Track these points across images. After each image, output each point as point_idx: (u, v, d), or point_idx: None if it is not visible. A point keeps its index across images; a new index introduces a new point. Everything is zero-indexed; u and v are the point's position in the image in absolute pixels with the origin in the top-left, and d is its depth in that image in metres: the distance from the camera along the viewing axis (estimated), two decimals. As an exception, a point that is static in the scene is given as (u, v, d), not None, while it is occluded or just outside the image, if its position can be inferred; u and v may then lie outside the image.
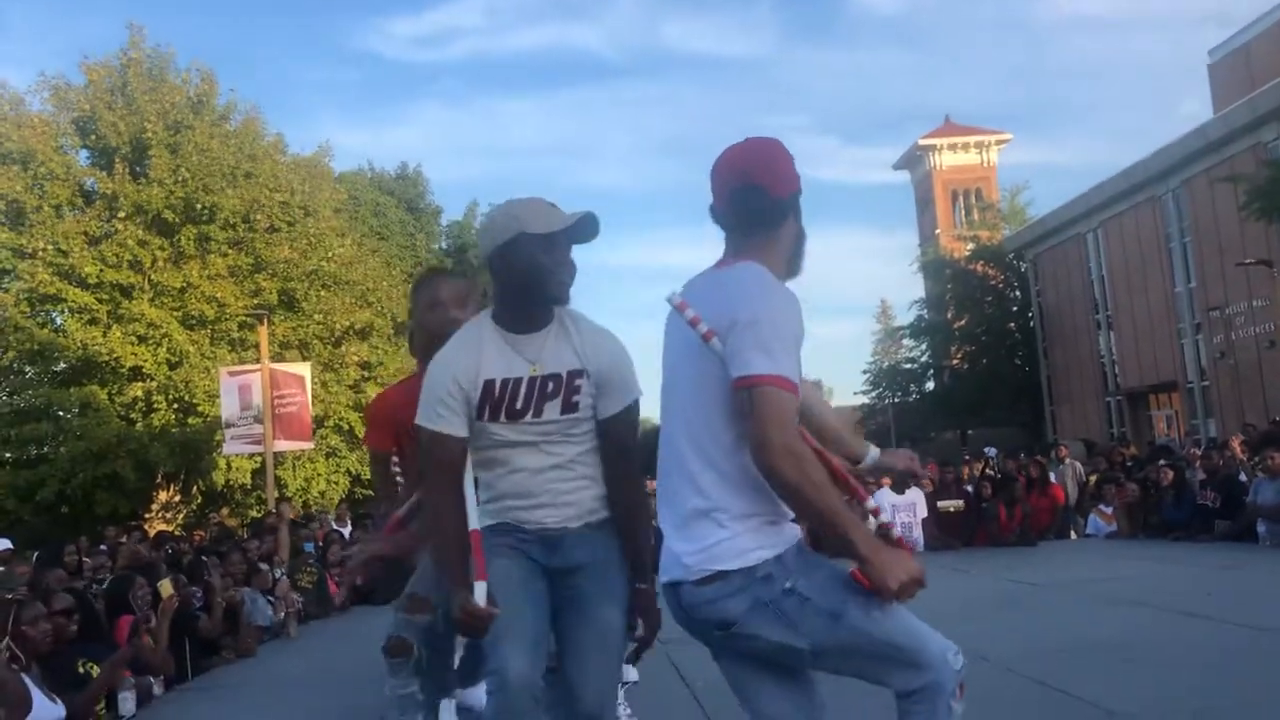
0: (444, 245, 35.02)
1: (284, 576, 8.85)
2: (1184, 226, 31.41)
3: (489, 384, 2.50)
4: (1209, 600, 6.26)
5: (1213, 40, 36.23)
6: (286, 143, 25.60)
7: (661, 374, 2.39)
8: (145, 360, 21.79)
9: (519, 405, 2.51)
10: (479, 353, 2.52)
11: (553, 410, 2.53)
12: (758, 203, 2.29)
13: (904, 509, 10.90)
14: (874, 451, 2.63)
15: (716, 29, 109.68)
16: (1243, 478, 10.36)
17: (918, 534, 10.83)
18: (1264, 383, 27.86)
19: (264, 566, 8.99)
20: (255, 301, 22.42)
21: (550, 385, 2.52)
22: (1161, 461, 12.06)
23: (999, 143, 55.65)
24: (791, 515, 2.23)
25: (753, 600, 2.16)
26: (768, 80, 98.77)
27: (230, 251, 23.04)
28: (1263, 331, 27.88)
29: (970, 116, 55.00)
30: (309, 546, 11.06)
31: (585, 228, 2.54)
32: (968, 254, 43.45)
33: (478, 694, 4.73)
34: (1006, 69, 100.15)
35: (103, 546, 10.75)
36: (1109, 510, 11.72)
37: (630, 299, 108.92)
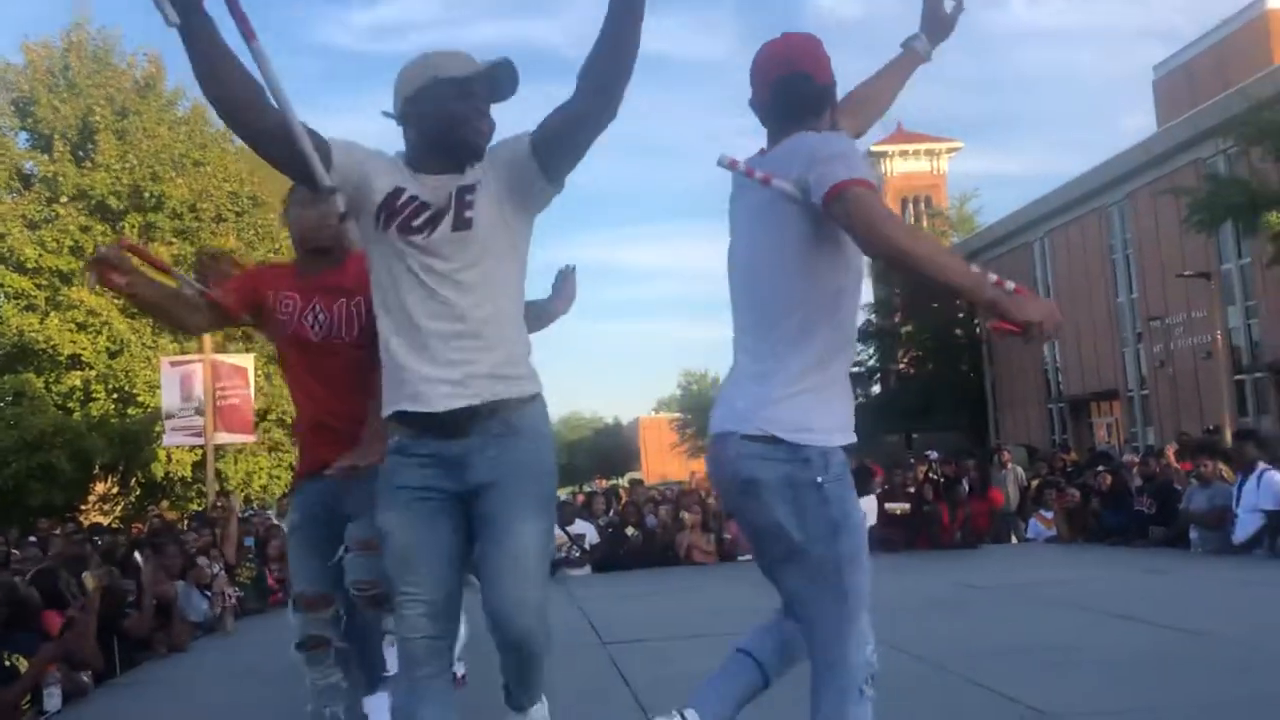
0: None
1: (222, 571, 8.71)
2: (1127, 238, 32.01)
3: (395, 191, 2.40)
4: (1142, 603, 6.37)
5: (1157, 56, 37.00)
6: (236, 131, 25.23)
7: (727, 252, 2.45)
8: (84, 348, 21.36)
9: (416, 222, 2.38)
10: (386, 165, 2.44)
11: (444, 229, 2.38)
12: (804, 88, 2.35)
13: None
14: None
15: (677, 29, 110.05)
16: (1177, 485, 10.57)
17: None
18: (1200, 392, 28.45)
19: (202, 560, 8.83)
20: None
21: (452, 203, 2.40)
22: (1100, 468, 12.26)
23: (950, 151, 56.32)
24: (845, 409, 2.36)
25: (784, 475, 2.23)
26: (725, 82, 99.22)
27: (175, 240, 22.66)
28: (1200, 342, 28.47)
29: (922, 124, 55.50)
30: (249, 541, 10.90)
31: (503, 78, 2.41)
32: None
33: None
34: (959, 78, 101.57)
35: (33, 538, 10.51)
36: (1049, 515, 11.90)
37: (587, 296, 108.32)
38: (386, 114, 2.46)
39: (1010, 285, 2.20)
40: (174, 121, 23.10)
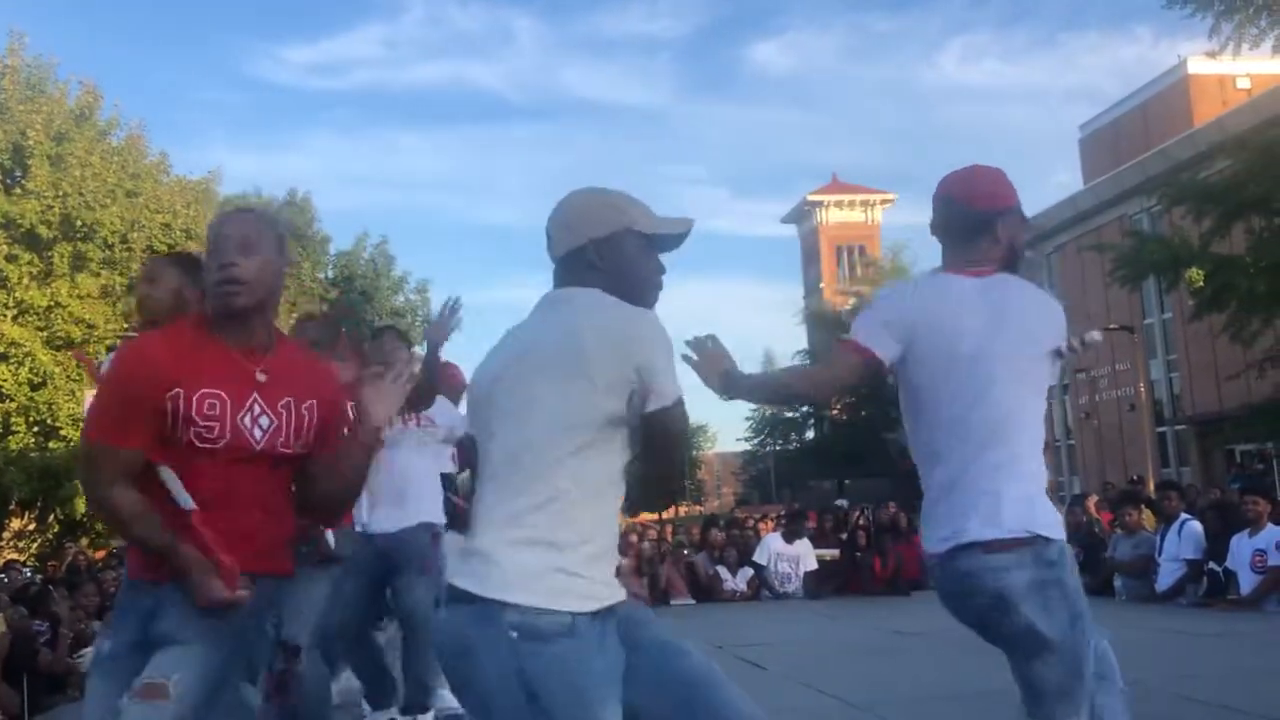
0: (330, 274, 34.39)
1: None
2: (1054, 291, 32.79)
3: None
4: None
5: (1084, 116, 38.16)
6: (171, 163, 24.89)
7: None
8: (5, 379, 20.78)
9: None
10: None
11: None
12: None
13: (788, 559, 11.02)
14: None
15: (616, 77, 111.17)
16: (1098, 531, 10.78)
17: (796, 585, 10.94)
18: (1124, 443, 29.12)
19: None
20: (127, 325, 21.61)
21: None
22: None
23: (884, 202, 57.43)
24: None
25: (1033, 578, 2.25)
26: (664, 130, 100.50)
27: (104, 271, 22.21)
28: (1124, 394, 29.19)
29: (857, 176, 56.94)
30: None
31: (682, 239, 2.23)
32: (850, 308, 44.57)
33: None
34: (892, 132, 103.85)
35: (-57, 575, 10.13)
36: (977, 562, 12.03)
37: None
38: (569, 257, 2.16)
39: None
40: (107, 151, 22.73)
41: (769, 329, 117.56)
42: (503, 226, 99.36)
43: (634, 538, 11.92)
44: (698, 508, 53.97)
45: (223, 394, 2.36)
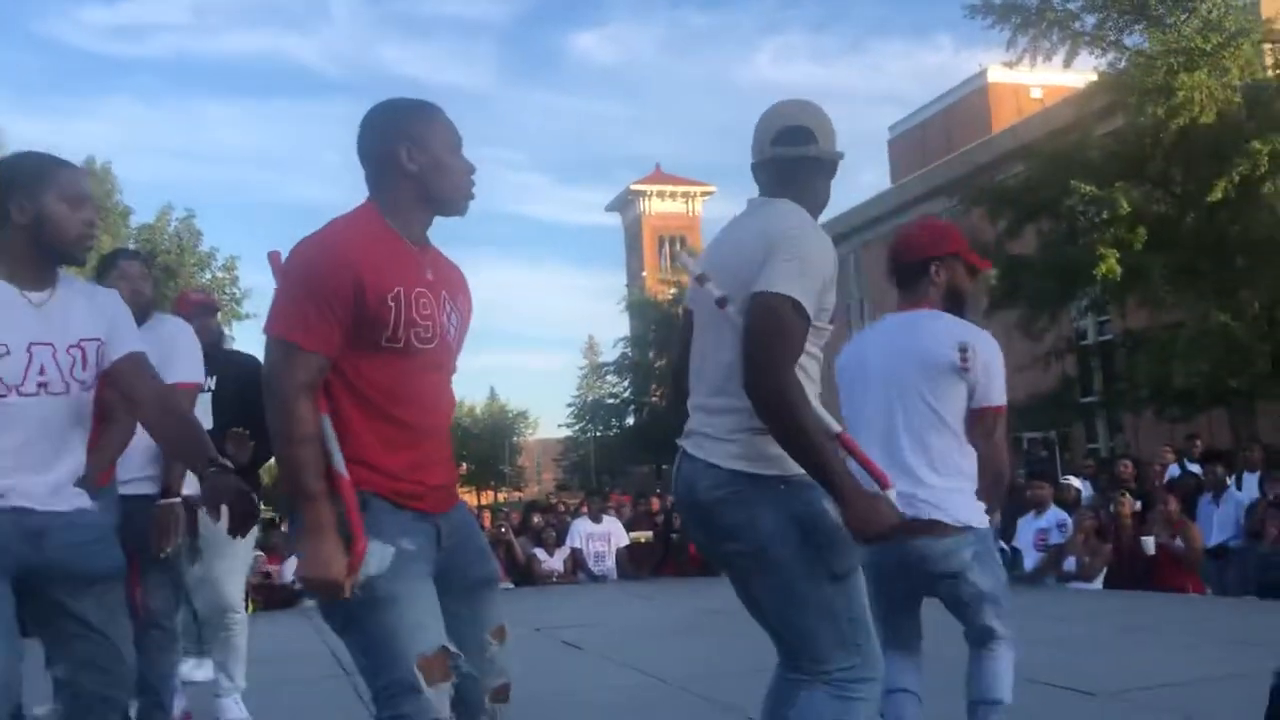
0: (132, 247, 32.59)
1: None
2: (861, 286, 34.15)
3: None
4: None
5: (890, 118, 39.93)
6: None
7: None
8: None
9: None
10: None
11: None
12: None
13: (599, 538, 11.16)
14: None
15: (436, 57, 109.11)
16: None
17: (610, 563, 11.09)
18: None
19: None
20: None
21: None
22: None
23: (704, 194, 58.52)
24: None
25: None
26: (485, 114, 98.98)
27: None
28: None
29: (679, 167, 57.63)
30: None
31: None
32: (671, 297, 45.26)
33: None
34: (712, 126, 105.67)
35: None
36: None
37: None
38: (805, 152, 2.41)
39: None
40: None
41: (593, 315, 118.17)
42: (317, 203, 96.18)
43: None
44: (517, 493, 53.84)
45: (428, 292, 2.12)
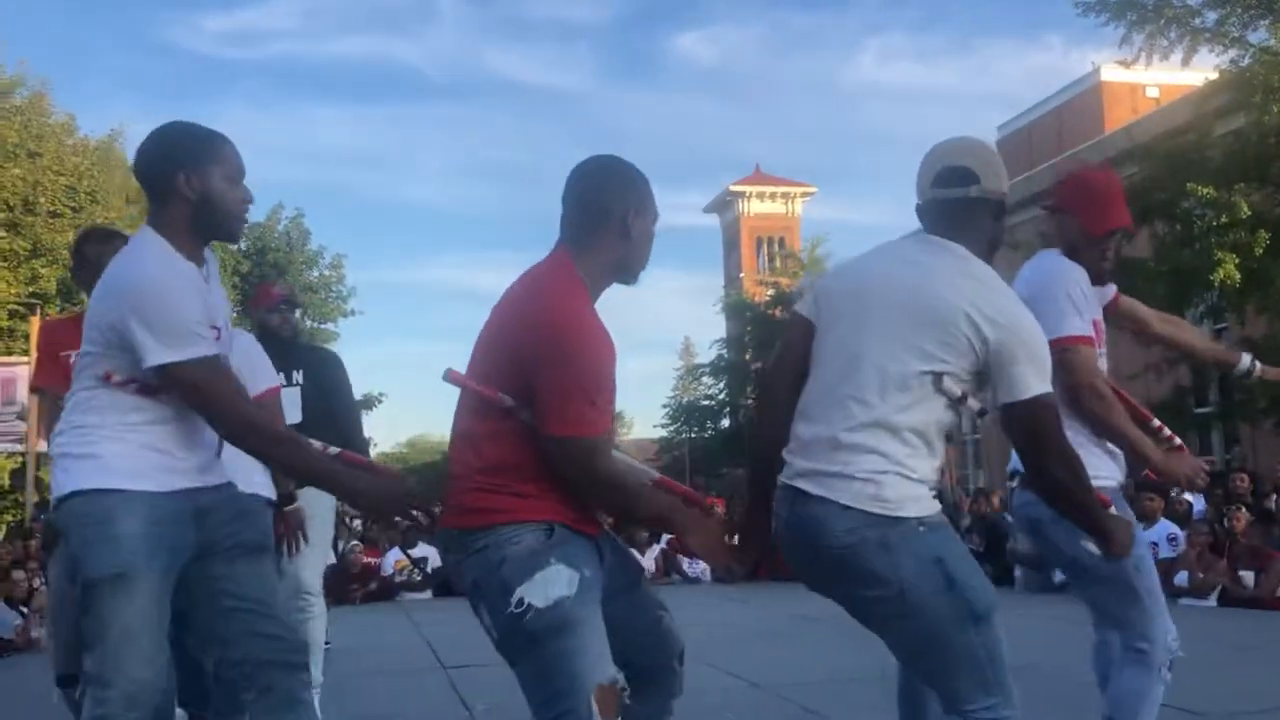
0: (242, 246, 33.64)
1: (43, 585, 8.24)
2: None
3: None
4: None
5: (999, 119, 39.07)
6: (78, 125, 24.07)
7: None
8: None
9: None
10: None
11: None
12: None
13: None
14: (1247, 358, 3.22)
15: (537, 60, 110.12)
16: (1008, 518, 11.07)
17: (703, 565, 11.06)
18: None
19: (17, 574, 8.36)
20: (30, 290, 20.89)
21: None
22: (934, 507, 12.74)
23: (804, 195, 58.01)
24: None
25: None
26: (585, 116, 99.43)
27: (5, 234, 21.42)
28: (1029, 391, 29.97)
29: (778, 168, 57.14)
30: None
31: None
32: (768, 299, 44.96)
33: None
34: (814, 127, 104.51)
35: None
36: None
37: (437, 318, 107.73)
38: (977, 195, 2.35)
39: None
40: (9, 110, 21.90)
41: (690, 317, 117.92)
42: (421, 205, 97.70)
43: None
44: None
45: None
